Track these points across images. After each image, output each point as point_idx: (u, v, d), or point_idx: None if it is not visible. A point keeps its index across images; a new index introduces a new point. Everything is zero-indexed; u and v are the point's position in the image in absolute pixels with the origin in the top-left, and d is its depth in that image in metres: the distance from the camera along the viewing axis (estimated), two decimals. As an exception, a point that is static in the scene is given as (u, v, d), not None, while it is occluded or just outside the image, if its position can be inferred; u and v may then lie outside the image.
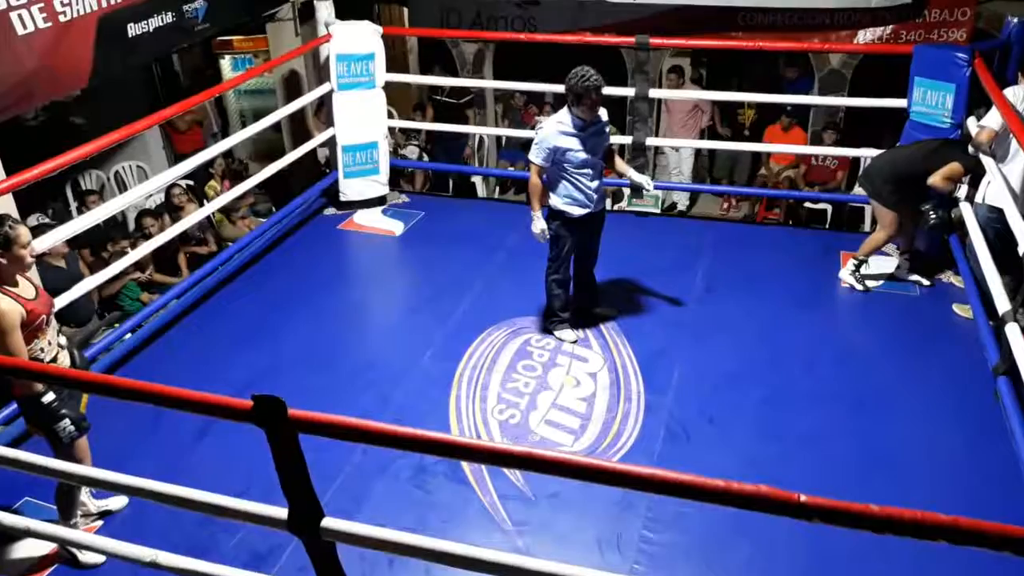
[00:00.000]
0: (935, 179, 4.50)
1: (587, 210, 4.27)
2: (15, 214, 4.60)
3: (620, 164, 4.47)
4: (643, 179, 4.40)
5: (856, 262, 4.93)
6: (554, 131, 4.15)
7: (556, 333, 4.56)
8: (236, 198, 6.33)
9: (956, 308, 4.71)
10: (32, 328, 2.95)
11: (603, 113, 4.25)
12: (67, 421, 3.01)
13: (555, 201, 4.29)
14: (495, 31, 7.96)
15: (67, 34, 4.55)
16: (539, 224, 4.29)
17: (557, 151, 4.15)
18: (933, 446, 3.75)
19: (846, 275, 4.96)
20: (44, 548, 3.21)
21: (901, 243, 4.98)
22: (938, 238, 5.15)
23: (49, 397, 2.96)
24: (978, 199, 4.75)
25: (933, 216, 4.58)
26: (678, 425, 3.90)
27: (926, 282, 4.93)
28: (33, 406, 2.99)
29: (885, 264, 5.13)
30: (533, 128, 6.50)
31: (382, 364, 4.40)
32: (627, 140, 6.16)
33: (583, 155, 4.16)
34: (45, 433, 3.05)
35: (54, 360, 3.08)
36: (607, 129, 4.30)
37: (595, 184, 4.26)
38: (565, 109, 4.17)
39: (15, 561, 3.19)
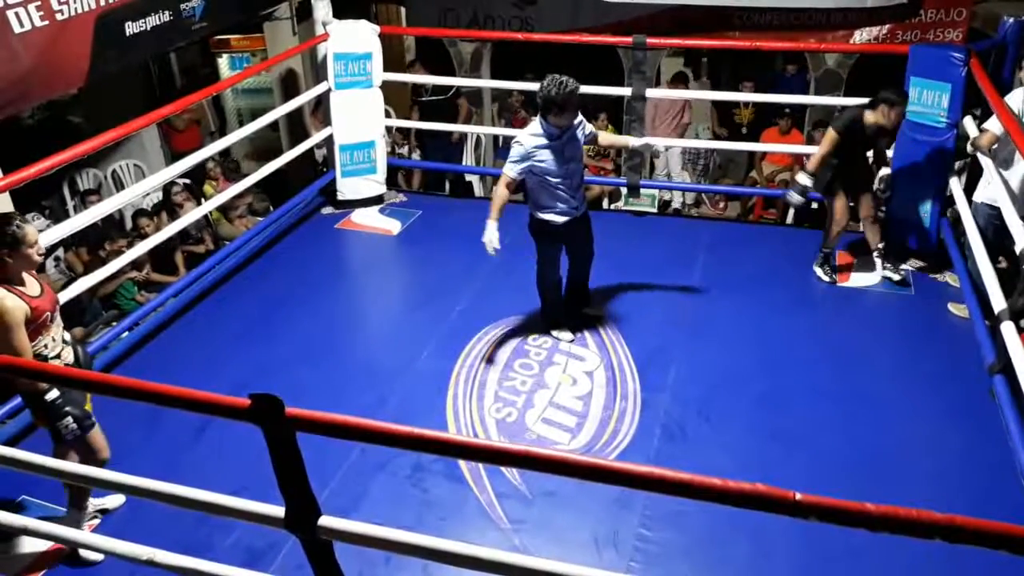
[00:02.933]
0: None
1: (570, 217, 4.23)
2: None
3: (606, 138, 4.43)
4: (642, 142, 4.38)
5: (823, 255, 5.05)
6: (531, 145, 4.05)
7: (554, 333, 4.56)
8: (234, 197, 6.34)
9: (952, 307, 4.72)
10: (37, 325, 2.97)
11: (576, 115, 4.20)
12: (70, 419, 3.03)
13: (539, 212, 4.22)
14: (493, 31, 7.96)
15: (64, 32, 4.54)
16: (491, 233, 4.09)
17: (535, 165, 4.07)
18: (929, 445, 3.76)
19: (817, 269, 5.08)
20: (41, 546, 3.21)
21: (870, 238, 5.03)
22: (934, 237, 5.16)
23: (53, 395, 2.97)
24: (977, 198, 4.77)
25: (882, 189, 4.75)
26: (675, 423, 3.91)
27: (896, 276, 4.96)
28: (37, 403, 3.01)
29: (879, 263, 5.16)
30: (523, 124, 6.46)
31: (379, 363, 4.41)
32: (624, 140, 6.15)
33: (563, 164, 4.10)
34: (49, 429, 3.06)
35: (58, 357, 3.08)
36: (579, 131, 4.20)
37: (578, 190, 4.23)
38: (538, 120, 4.08)
39: (11, 559, 3.19)
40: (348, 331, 4.79)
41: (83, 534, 3.00)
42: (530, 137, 4.09)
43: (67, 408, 3.01)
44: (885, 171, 5.13)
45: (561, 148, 4.09)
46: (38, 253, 3.00)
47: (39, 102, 5.50)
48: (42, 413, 3.03)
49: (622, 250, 5.39)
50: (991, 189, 4.56)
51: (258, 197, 7.29)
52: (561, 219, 4.22)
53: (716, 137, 8.35)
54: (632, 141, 4.39)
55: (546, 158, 4.07)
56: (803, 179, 4.82)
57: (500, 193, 4.14)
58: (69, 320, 5.37)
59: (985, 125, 4.61)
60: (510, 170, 4.11)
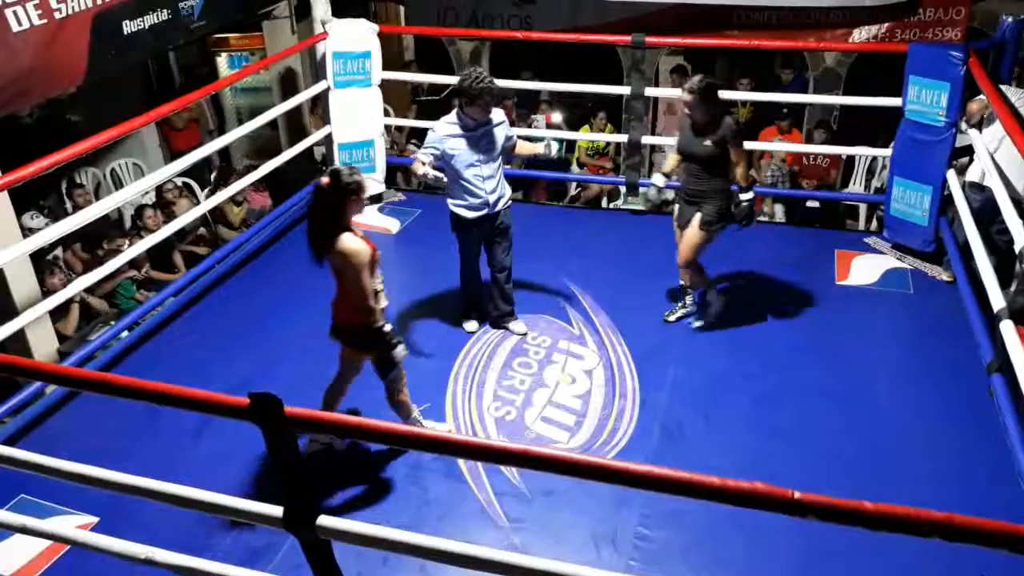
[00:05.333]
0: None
1: (481, 212, 4.27)
2: (10, 211, 4.61)
3: (522, 147, 4.42)
4: (540, 146, 4.37)
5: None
6: (444, 132, 4.17)
7: (463, 323, 4.63)
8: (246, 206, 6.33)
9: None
10: (373, 265, 3.33)
11: (497, 114, 4.26)
12: (402, 344, 3.45)
13: (451, 203, 4.31)
14: (491, 29, 7.96)
15: (62, 31, 4.54)
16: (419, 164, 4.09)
17: (447, 153, 4.15)
18: (928, 443, 3.77)
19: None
20: (39, 546, 3.21)
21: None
22: (933, 236, 5.15)
23: (388, 327, 3.36)
24: (969, 176, 4.83)
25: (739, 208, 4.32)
26: (673, 422, 3.91)
27: (697, 323, 4.61)
28: (373, 334, 3.36)
29: (878, 262, 5.16)
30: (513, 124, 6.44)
31: (378, 362, 4.40)
32: (623, 138, 6.15)
33: (472, 156, 4.17)
34: (382, 359, 3.44)
35: (378, 292, 3.39)
36: (498, 129, 4.24)
37: (490, 185, 4.24)
38: (455, 111, 4.19)
39: (10, 559, 3.19)
40: (347, 330, 4.78)
41: (83, 534, 3.00)
42: (445, 125, 4.21)
43: (398, 337, 3.42)
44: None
45: (475, 141, 4.18)
46: (365, 200, 3.39)
47: (37, 101, 5.48)
48: (375, 344, 3.38)
49: (621, 248, 5.39)
50: (975, 169, 4.64)
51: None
52: (471, 214, 4.28)
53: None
54: (539, 149, 4.38)
55: (458, 148, 4.16)
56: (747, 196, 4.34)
57: (415, 165, 4.13)
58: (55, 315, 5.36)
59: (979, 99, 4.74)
60: (421, 152, 4.21)
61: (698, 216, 4.30)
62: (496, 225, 4.36)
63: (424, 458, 3.64)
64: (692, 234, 4.33)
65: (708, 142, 4.18)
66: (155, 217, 6.15)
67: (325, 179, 3.26)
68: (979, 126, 4.76)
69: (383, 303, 3.41)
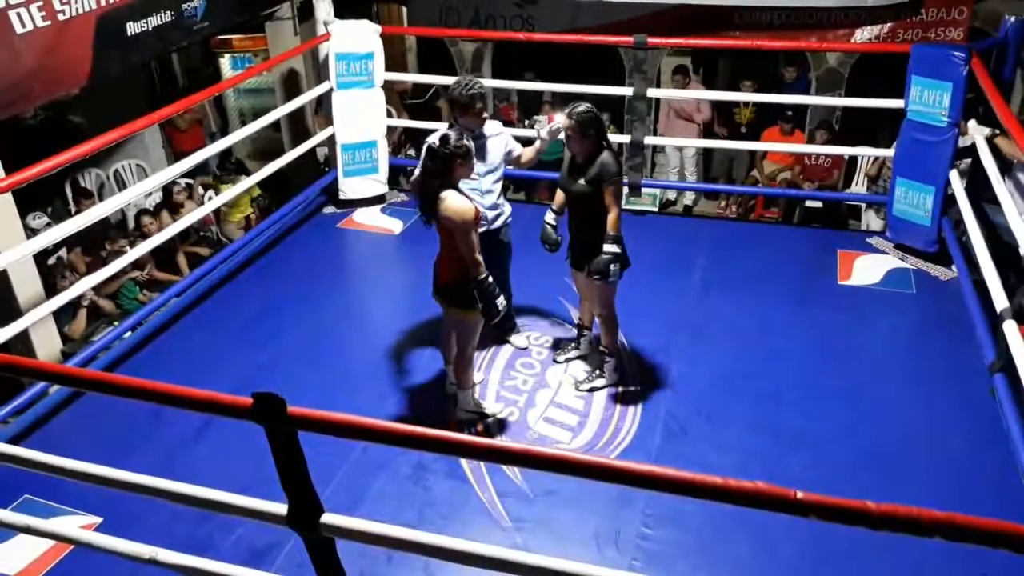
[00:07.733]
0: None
1: (480, 228, 4.03)
2: (14, 213, 4.62)
3: (526, 154, 4.25)
4: (536, 142, 4.16)
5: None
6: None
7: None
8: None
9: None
10: (476, 223, 3.47)
11: (495, 125, 4.13)
12: (503, 298, 3.55)
13: None
14: (494, 30, 7.97)
15: (66, 33, 4.55)
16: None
17: None
18: (930, 443, 3.76)
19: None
20: (42, 546, 3.22)
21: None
22: (936, 236, 5.15)
23: (490, 278, 3.48)
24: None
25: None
26: (675, 422, 3.92)
27: (587, 385, 4.17)
28: (478, 285, 3.47)
29: (880, 262, 5.16)
30: (509, 124, 6.40)
31: (381, 362, 4.41)
32: (625, 139, 6.16)
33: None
34: (483, 311, 3.54)
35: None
36: (494, 141, 4.10)
37: (488, 200, 4.08)
38: (449, 123, 4.05)
39: (14, 559, 3.20)
40: (350, 330, 4.80)
41: (85, 533, 3.00)
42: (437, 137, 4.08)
43: (499, 290, 3.53)
44: None
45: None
46: (473, 163, 3.58)
47: (41, 102, 5.51)
48: (482, 294, 3.48)
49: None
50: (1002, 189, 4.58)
51: (262, 196, 7.30)
52: None
53: (716, 136, 8.34)
54: (538, 143, 4.18)
55: None
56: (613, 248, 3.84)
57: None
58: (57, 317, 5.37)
59: None
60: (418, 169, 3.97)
61: (587, 268, 3.91)
62: (494, 242, 4.18)
63: (426, 458, 3.64)
64: (591, 286, 3.99)
65: (582, 181, 3.80)
66: (153, 223, 6.16)
67: (435, 142, 3.45)
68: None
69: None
